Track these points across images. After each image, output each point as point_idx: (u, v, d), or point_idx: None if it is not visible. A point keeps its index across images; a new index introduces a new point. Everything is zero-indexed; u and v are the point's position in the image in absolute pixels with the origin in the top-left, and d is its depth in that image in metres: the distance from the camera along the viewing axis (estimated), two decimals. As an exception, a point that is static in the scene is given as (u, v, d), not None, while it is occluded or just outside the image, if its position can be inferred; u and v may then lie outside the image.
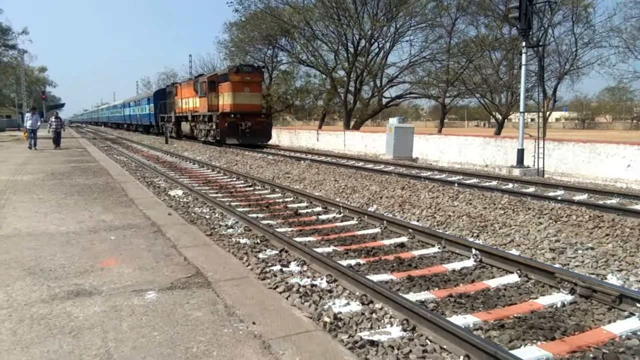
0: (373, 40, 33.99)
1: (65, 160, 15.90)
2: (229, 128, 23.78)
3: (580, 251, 5.94)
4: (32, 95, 75.36)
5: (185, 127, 30.99)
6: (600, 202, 9.45)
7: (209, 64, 50.90)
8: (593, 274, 5.23)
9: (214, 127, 25.12)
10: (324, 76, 38.32)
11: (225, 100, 24.80)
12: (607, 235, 6.58)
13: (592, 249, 6.03)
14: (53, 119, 23.13)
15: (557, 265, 5.41)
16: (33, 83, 79.06)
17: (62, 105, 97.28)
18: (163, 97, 37.54)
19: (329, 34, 35.28)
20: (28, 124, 21.80)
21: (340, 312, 4.07)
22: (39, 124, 22.47)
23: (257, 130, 24.42)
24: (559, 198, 9.59)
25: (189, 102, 29.78)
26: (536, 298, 4.55)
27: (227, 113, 24.14)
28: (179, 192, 10.51)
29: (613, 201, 9.73)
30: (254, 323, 3.43)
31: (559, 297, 4.51)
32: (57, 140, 22.27)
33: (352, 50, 34.57)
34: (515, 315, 4.13)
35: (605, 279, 5.10)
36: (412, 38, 35.15)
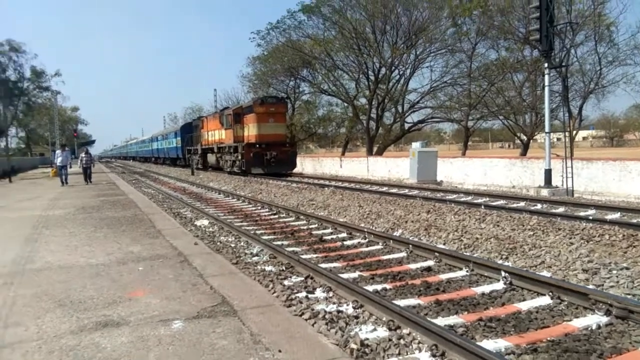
0: (393, 67, 34.32)
1: (95, 195, 16.30)
2: (254, 158, 24.03)
3: (614, 271, 5.74)
4: (64, 133, 78.05)
5: (211, 158, 31.55)
6: (634, 220, 9.14)
7: (233, 98, 52.05)
8: (629, 294, 5.04)
9: (240, 157, 25.46)
10: (345, 104, 38.72)
11: (250, 131, 25.15)
12: (642, 254, 6.34)
13: (627, 268, 5.81)
14: (83, 155, 23.71)
15: (590, 286, 5.23)
16: (66, 122, 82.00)
17: (93, 141, 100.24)
18: (190, 131, 38.30)
19: (350, 63, 35.82)
20: (58, 160, 22.35)
21: (367, 339, 4.00)
22: (69, 160, 23.21)
23: (282, 159, 24.59)
24: (590, 217, 9.32)
25: (215, 134, 30.36)
26: (570, 320, 4.39)
27: (253, 144, 24.40)
28: (205, 222, 10.62)
29: (647, 219, 9.40)
30: (280, 351, 3.40)
31: (594, 319, 4.35)
32: (87, 175, 22.74)
33: (372, 78, 34.93)
34: (549, 338, 3.98)
35: (643, 299, 4.90)
36: (432, 64, 35.33)
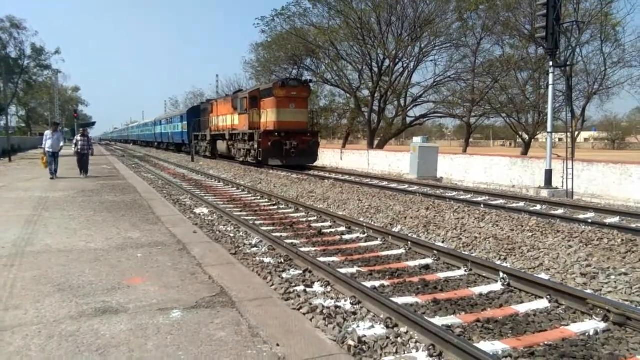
0: (397, 60, 34.13)
1: (95, 178, 16.24)
2: (272, 148, 21.82)
3: (613, 276, 5.75)
4: (64, 113, 77.87)
5: (222, 146, 29.14)
6: (633, 225, 9.16)
7: (235, 84, 51.73)
8: (627, 300, 5.06)
9: (255, 146, 23.14)
10: (348, 95, 38.59)
11: (268, 117, 22.92)
12: (640, 260, 6.36)
13: (626, 274, 5.82)
14: (79, 137, 17.43)
15: (588, 291, 5.24)
16: (66, 102, 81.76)
17: (93, 123, 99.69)
18: (197, 115, 36.08)
19: (354, 54, 35.63)
20: (47, 144, 16.20)
21: (365, 336, 4.02)
22: (61, 144, 16.75)
23: (303, 150, 22.47)
24: (590, 221, 9.33)
25: (227, 119, 27.99)
26: (567, 325, 4.41)
27: (271, 131, 22.20)
28: (204, 210, 10.62)
29: (646, 224, 9.41)
30: (277, 345, 3.41)
31: (591, 325, 4.37)
32: (83, 165, 16.88)
33: (376, 69, 34.78)
34: (546, 342, 4.01)
35: (640, 306, 4.92)
36: (436, 58, 34.97)
